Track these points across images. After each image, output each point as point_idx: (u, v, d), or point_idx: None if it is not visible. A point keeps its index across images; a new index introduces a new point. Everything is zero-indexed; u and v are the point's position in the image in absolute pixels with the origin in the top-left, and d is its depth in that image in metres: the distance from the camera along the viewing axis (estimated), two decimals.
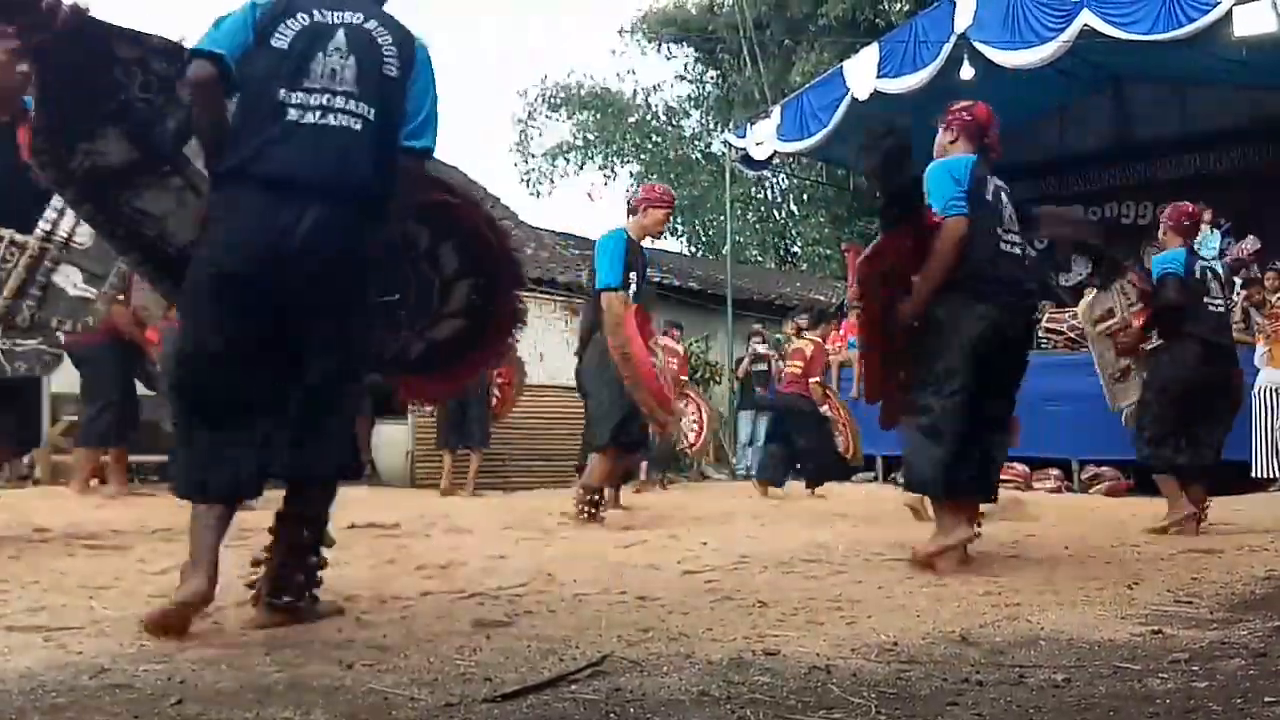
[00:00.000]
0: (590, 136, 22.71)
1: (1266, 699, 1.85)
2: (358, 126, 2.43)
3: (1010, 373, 3.86)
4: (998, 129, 4.25)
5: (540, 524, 5.15)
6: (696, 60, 22.50)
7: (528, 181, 23.11)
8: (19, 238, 3.37)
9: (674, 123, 23.18)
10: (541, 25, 43.58)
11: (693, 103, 23.06)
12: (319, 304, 2.38)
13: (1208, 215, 10.57)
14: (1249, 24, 8.66)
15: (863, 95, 11.09)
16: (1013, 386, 3.91)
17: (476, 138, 37.62)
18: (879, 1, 17.44)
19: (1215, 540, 4.76)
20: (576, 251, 13.93)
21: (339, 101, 2.42)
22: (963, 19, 10.29)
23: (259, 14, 2.45)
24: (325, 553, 2.63)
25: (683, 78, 23.02)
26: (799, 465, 8.47)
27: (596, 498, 5.09)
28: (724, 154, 14.98)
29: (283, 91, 2.40)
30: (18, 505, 5.29)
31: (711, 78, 22.53)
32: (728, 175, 14.40)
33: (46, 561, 3.36)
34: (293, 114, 2.39)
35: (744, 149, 12.70)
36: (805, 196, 20.59)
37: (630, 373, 4.83)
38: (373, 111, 2.45)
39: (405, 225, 2.70)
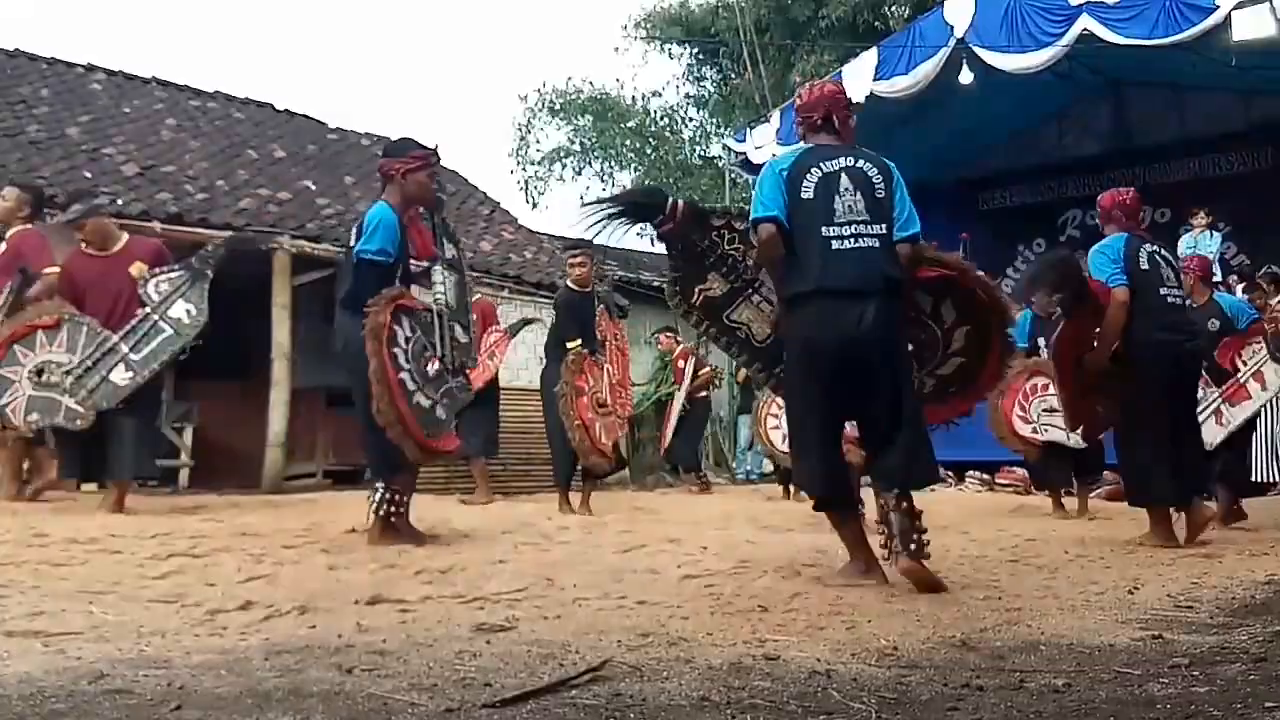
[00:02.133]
0: (587, 141, 22.71)
1: (1267, 704, 1.85)
2: (876, 244, 3.37)
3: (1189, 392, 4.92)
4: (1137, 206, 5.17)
5: (540, 529, 5.15)
6: (699, 62, 22.51)
7: (525, 188, 23.11)
8: (438, 308, 4.56)
9: (672, 129, 23.19)
10: (542, 27, 43.66)
11: (694, 102, 23.05)
12: (883, 365, 3.38)
13: (1204, 219, 10.62)
14: (1248, 28, 8.68)
15: (857, 100, 11.09)
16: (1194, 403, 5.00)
17: (476, 142, 37.67)
18: (879, 5, 17.46)
19: (1215, 545, 4.76)
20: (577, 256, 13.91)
21: (861, 228, 3.37)
22: (961, 23, 10.30)
23: (785, 177, 3.46)
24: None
25: (681, 79, 23.04)
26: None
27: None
28: (723, 158, 14.97)
29: (824, 229, 3.36)
30: (17, 510, 5.28)
31: (713, 79, 22.54)
32: (727, 180, 14.41)
33: (46, 567, 3.35)
34: (835, 244, 3.36)
35: (743, 153, 12.71)
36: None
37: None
38: (884, 226, 3.40)
39: (913, 294, 3.58)
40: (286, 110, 13.56)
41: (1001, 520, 6.42)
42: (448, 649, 2.24)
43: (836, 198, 3.39)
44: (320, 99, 39.77)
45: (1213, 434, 5.93)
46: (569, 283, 7.10)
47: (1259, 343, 6.02)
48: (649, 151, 22.59)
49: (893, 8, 17.42)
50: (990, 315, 3.69)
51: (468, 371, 4.72)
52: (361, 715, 1.73)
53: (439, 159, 4.61)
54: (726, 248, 3.74)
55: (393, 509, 4.25)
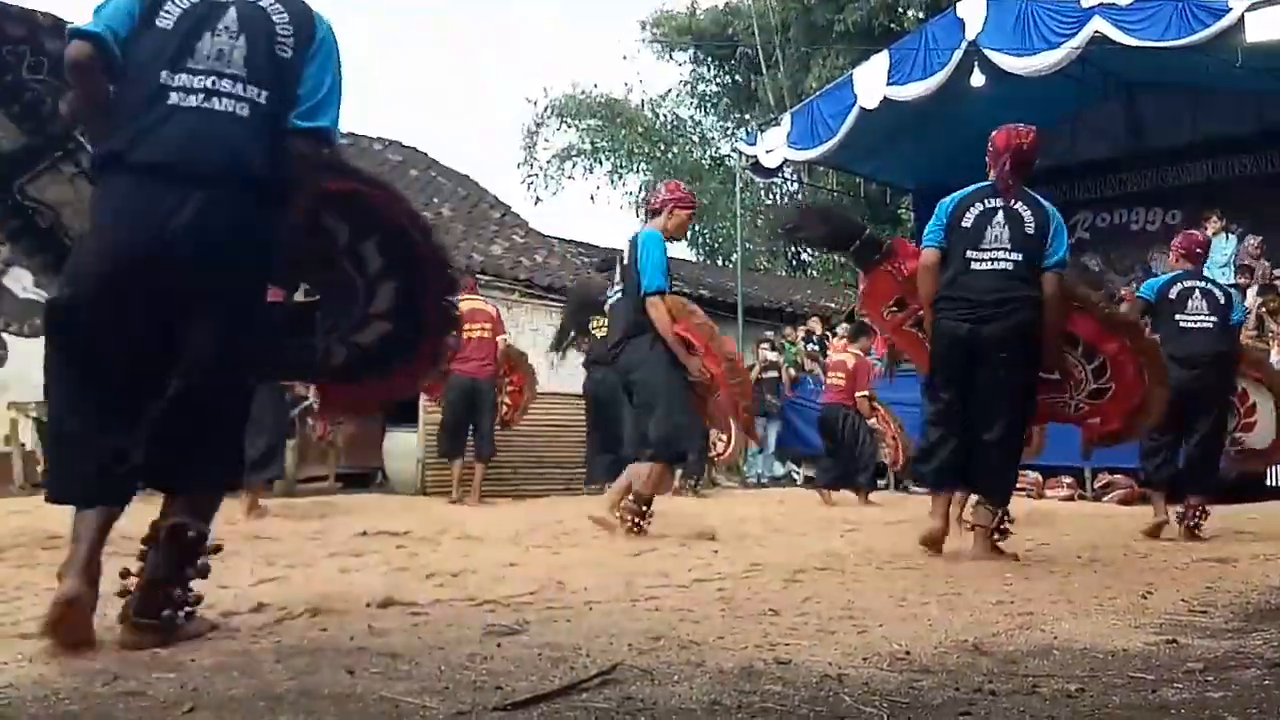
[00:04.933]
0: (598, 142, 22.75)
1: None
2: (245, 111, 2.32)
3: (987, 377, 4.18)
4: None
5: (551, 531, 5.15)
6: (710, 66, 22.52)
7: (530, 185, 23.13)
8: None
9: (683, 131, 23.21)
10: (552, 33, 43.74)
11: (707, 103, 23.06)
12: (200, 299, 2.26)
13: (1218, 223, 10.57)
14: (1261, 30, 8.64)
15: (871, 104, 11.10)
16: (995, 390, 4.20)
17: (486, 146, 37.78)
18: (895, 8, 17.46)
19: (1230, 549, 4.74)
20: (586, 258, 13.95)
21: (225, 85, 2.31)
22: (973, 25, 10.28)
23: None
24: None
25: (690, 83, 23.05)
26: (824, 470, 8.76)
27: (646, 509, 4.77)
28: (734, 160, 14.98)
29: (164, 74, 2.29)
30: (31, 512, 5.31)
31: (725, 83, 22.56)
32: (738, 182, 14.41)
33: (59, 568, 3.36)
34: (174, 97, 2.28)
35: (754, 156, 12.71)
36: (815, 202, 20.58)
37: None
38: (264, 95, 2.35)
39: (321, 219, 2.53)
40: None
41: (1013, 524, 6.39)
42: (459, 652, 2.25)
43: (209, 36, 2.35)
44: None
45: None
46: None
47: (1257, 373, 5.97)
48: (657, 154, 22.62)
49: (908, 11, 17.41)
50: (426, 269, 2.73)
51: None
52: (373, 718, 1.74)
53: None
54: (26, 75, 2.47)
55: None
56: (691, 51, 22.29)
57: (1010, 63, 10.15)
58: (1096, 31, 9.52)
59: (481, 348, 7.61)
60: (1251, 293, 9.45)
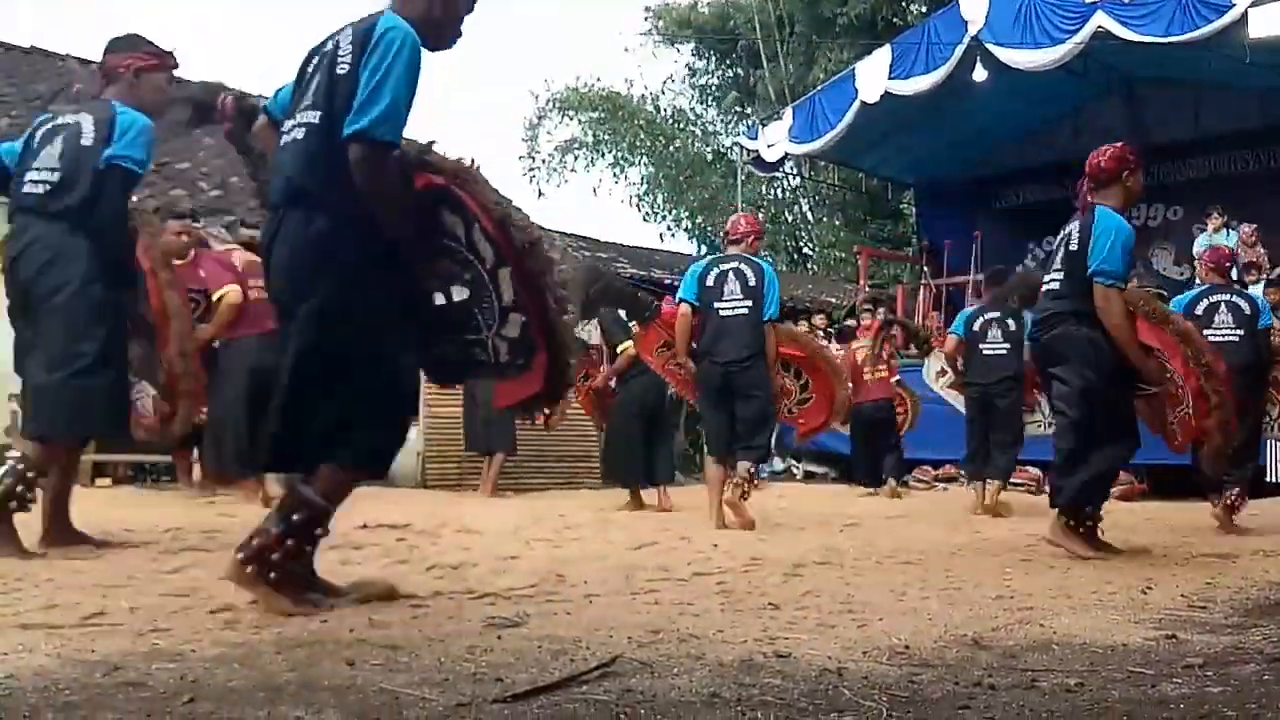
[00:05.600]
0: (600, 135, 22.71)
1: None
2: (301, 135, 2.55)
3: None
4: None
5: (552, 525, 5.15)
6: (713, 60, 22.47)
7: (532, 178, 23.09)
8: None
9: (683, 126, 23.16)
10: (552, 27, 43.67)
11: (709, 95, 23.00)
12: (284, 306, 2.59)
13: (1219, 219, 10.55)
14: (1264, 26, 8.62)
15: (872, 98, 11.08)
16: None
17: (488, 140, 37.73)
18: (898, 1, 17.43)
19: (1230, 545, 4.74)
20: (589, 253, 13.93)
21: (298, 116, 2.57)
22: (976, 19, 10.26)
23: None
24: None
25: (693, 72, 23.00)
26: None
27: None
28: (736, 155, 14.96)
29: (286, 122, 2.65)
30: (31, 505, 5.31)
31: (728, 77, 22.51)
32: (739, 176, 14.40)
33: (59, 560, 3.37)
34: (282, 139, 2.65)
35: (755, 151, 12.69)
36: (818, 198, 20.58)
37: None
38: (318, 115, 2.52)
39: (441, 217, 2.60)
40: None
41: (1014, 519, 6.39)
42: (459, 644, 2.25)
43: (312, 80, 2.62)
44: None
45: None
46: None
47: None
48: (658, 148, 22.58)
49: (912, 5, 17.38)
50: (517, 255, 2.64)
51: None
52: (373, 710, 1.74)
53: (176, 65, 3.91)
54: None
55: None
56: (693, 44, 22.26)
57: (1013, 57, 10.13)
58: (1099, 27, 9.50)
59: None
60: (1257, 289, 9.43)
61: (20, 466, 3.45)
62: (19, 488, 3.43)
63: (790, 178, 18.15)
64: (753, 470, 5.55)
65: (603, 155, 22.85)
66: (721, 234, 6.26)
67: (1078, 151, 13.56)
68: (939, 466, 9.98)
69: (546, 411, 3.90)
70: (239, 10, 46.25)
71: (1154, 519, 5.93)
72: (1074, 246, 4.31)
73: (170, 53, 3.83)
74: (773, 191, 21.58)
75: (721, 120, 23.16)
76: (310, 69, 2.62)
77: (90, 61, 12.16)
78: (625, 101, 22.75)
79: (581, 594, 3.01)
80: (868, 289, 13.68)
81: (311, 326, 2.51)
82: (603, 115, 22.59)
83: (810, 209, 21.60)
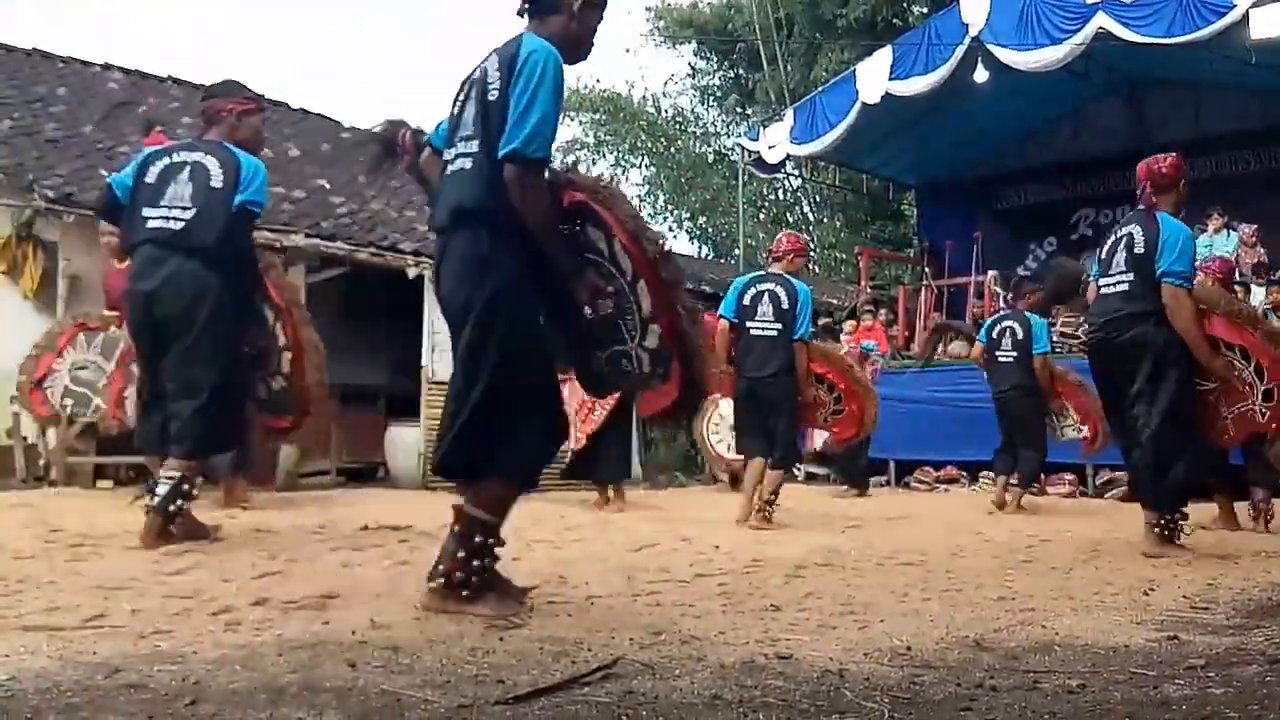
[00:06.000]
0: (601, 136, 22.71)
1: None
2: (465, 163, 2.67)
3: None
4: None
5: (553, 526, 5.15)
6: (714, 60, 22.46)
7: None
8: None
9: (684, 127, 23.16)
10: None
11: (711, 96, 22.98)
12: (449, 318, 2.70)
13: (1219, 220, 10.54)
14: (1265, 26, 8.61)
15: (872, 99, 11.07)
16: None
17: None
18: (899, 2, 17.42)
19: (1232, 546, 4.73)
20: None
21: (459, 146, 2.71)
22: (977, 20, 10.25)
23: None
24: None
25: (694, 73, 22.98)
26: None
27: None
28: (737, 155, 14.95)
29: (448, 151, 2.78)
30: (34, 505, 5.32)
31: (729, 78, 22.50)
32: (740, 177, 14.39)
33: (61, 562, 3.37)
34: (448, 168, 2.76)
35: (756, 152, 12.68)
36: (819, 199, 20.58)
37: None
38: (476, 143, 2.65)
39: (586, 232, 2.72)
40: (301, 109, 13.62)
41: (1015, 521, 6.39)
42: (460, 646, 2.25)
43: (464, 110, 2.73)
44: (335, 98, 39.94)
45: None
46: None
47: None
48: (659, 149, 22.58)
49: (913, 6, 17.37)
50: (649, 270, 2.71)
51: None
52: (375, 711, 1.74)
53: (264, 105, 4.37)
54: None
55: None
56: (694, 45, 22.25)
57: (1014, 58, 10.12)
58: (1100, 28, 9.49)
59: None
60: (1260, 291, 9.43)
61: (178, 475, 3.83)
62: (181, 495, 3.83)
63: (791, 179, 18.15)
64: (781, 481, 5.78)
65: (604, 156, 22.87)
66: (764, 252, 6.43)
67: (1078, 152, 13.67)
68: (940, 468, 9.98)
69: (683, 421, 4.08)
70: (239, 10, 46.31)
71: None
72: (1140, 250, 4.46)
73: (262, 96, 4.26)
74: (774, 193, 21.58)
75: (722, 121, 23.17)
76: (462, 98, 2.75)
77: (91, 63, 12.20)
78: (626, 103, 22.76)
79: (583, 596, 3.01)
80: (869, 290, 13.67)
81: (477, 340, 2.60)
82: (604, 116, 22.60)
83: (811, 210, 21.61)
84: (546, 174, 2.62)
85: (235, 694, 1.82)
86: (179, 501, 3.79)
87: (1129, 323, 4.43)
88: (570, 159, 22.75)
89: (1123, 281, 4.51)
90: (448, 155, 2.75)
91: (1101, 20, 9.43)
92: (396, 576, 3.29)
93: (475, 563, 2.59)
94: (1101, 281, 4.63)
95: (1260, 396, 4.57)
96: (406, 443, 8.77)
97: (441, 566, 2.61)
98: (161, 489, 3.78)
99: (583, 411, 7.20)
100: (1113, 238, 4.70)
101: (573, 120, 22.92)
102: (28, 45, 11.76)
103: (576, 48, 2.78)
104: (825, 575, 3.61)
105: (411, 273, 9.61)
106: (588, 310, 2.70)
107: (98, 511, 5.16)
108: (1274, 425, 4.59)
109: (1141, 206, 4.73)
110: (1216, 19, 8.81)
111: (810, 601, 2.99)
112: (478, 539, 2.60)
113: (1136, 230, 4.55)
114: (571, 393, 6.84)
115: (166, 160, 3.97)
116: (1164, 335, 4.35)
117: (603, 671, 2.01)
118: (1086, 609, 2.96)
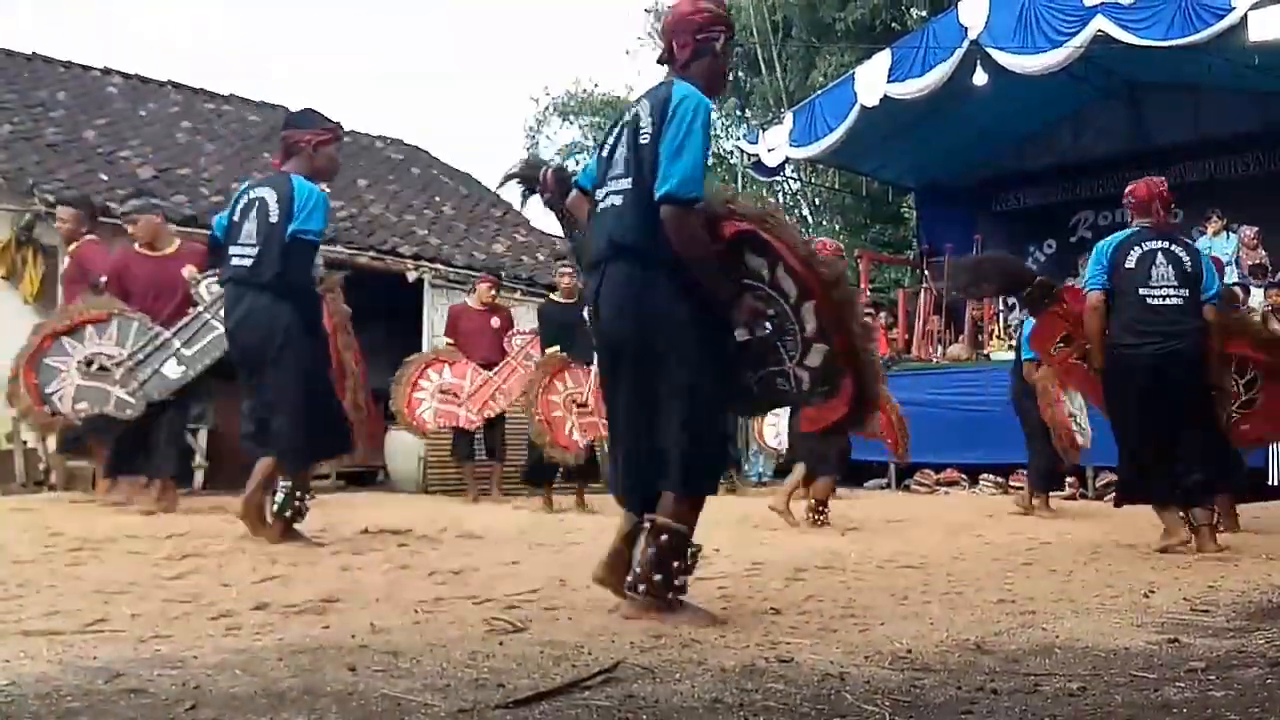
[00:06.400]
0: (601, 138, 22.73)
1: None
2: (617, 200, 2.82)
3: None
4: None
5: (553, 530, 5.15)
6: None
7: None
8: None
9: None
10: (553, 31, 43.73)
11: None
12: (628, 351, 2.80)
13: (1218, 222, 10.55)
14: (1264, 29, 8.62)
15: (871, 102, 11.08)
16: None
17: (488, 145, 37.76)
18: (897, 6, 17.42)
19: (1233, 548, 4.73)
20: None
21: (610, 184, 2.86)
22: (975, 24, 10.26)
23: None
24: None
25: None
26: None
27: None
28: (736, 158, 14.96)
29: (598, 191, 2.91)
30: (33, 510, 5.32)
31: (728, 81, 22.51)
32: (739, 180, 14.40)
33: (62, 566, 3.37)
34: (599, 206, 2.90)
35: (755, 155, 12.68)
36: (818, 202, 20.58)
37: None
38: (629, 182, 2.80)
39: (745, 260, 2.84)
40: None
41: (1016, 523, 6.39)
42: (461, 650, 2.25)
43: (616, 150, 2.89)
44: (333, 102, 39.93)
45: None
46: (553, 294, 7.44)
47: None
48: None
49: (911, 9, 17.38)
50: (820, 288, 2.85)
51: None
52: (375, 716, 1.74)
53: (342, 133, 4.58)
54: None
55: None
56: None
57: (1013, 61, 10.13)
58: (1099, 30, 9.49)
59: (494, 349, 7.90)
60: (1259, 293, 9.43)
61: (290, 485, 4.23)
62: (295, 503, 4.23)
63: (790, 182, 18.13)
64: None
65: None
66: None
67: (1078, 155, 13.69)
68: (940, 470, 9.98)
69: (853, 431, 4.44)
70: (238, 14, 46.37)
71: (1157, 523, 5.91)
72: (1190, 269, 4.71)
73: (339, 124, 4.46)
74: (773, 195, 21.57)
75: (721, 124, 23.16)
76: (613, 141, 2.90)
77: (91, 68, 12.21)
78: (626, 105, 22.77)
79: (583, 599, 3.01)
80: (868, 293, 13.67)
81: (641, 364, 2.78)
82: (603, 120, 22.61)
83: (811, 213, 21.60)
84: (703, 208, 2.76)
85: (235, 698, 1.82)
86: (296, 505, 4.21)
87: (1193, 336, 4.64)
88: (569, 162, 22.80)
89: (1178, 298, 4.67)
90: (598, 195, 2.90)
91: (1100, 23, 9.44)
92: (397, 580, 3.30)
93: (675, 563, 2.72)
94: (1142, 292, 4.69)
95: (1238, 403, 4.98)
96: (406, 446, 8.76)
97: (640, 572, 2.72)
98: (278, 497, 4.21)
99: (481, 395, 7.52)
100: (1140, 250, 4.75)
101: (571, 123, 22.95)
102: (28, 49, 11.78)
103: (719, 83, 2.98)
104: (826, 578, 3.61)
105: (411, 276, 9.62)
106: (744, 333, 2.82)
107: (97, 516, 5.16)
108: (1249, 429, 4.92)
109: (1147, 223, 4.88)
110: (1215, 21, 8.82)
111: (811, 604, 2.99)
112: (666, 541, 2.71)
113: (1179, 249, 4.76)
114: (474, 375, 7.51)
115: (245, 198, 4.32)
116: (1206, 348, 4.67)
117: (603, 675, 2.01)
118: (1087, 612, 2.96)
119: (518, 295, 10.73)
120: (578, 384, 6.89)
